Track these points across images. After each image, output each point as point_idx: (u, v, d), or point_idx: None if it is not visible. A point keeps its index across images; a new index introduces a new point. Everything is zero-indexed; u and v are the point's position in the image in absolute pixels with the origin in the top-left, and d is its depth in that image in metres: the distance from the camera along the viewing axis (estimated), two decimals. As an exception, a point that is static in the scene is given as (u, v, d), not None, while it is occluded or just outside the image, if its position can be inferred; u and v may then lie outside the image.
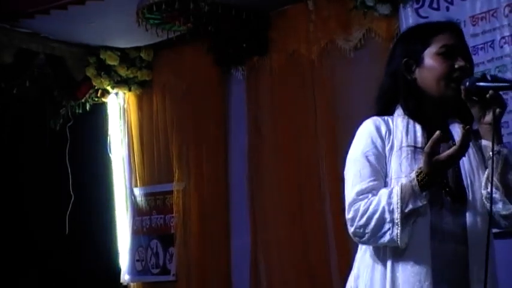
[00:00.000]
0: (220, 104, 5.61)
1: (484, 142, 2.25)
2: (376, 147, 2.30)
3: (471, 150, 2.27)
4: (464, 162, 2.28)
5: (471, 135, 2.14)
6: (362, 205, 2.22)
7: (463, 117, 2.33)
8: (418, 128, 2.31)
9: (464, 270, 2.22)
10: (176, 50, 5.70)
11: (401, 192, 2.17)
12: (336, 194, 4.50)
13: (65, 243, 5.66)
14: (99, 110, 6.12)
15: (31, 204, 5.58)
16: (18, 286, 5.58)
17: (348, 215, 2.26)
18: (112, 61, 5.81)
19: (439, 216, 2.23)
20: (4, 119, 5.50)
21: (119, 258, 6.02)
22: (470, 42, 4.14)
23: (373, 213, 2.20)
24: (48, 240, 5.57)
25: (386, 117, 2.35)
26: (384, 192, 2.21)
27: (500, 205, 2.24)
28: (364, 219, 2.21)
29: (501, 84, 2.20)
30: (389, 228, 2.18)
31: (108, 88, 5.99)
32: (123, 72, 5.88)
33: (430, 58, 2.33)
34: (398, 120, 2.33)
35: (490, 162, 2.20)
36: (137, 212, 5.99)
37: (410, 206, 2.17)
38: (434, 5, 4.42)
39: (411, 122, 2.32)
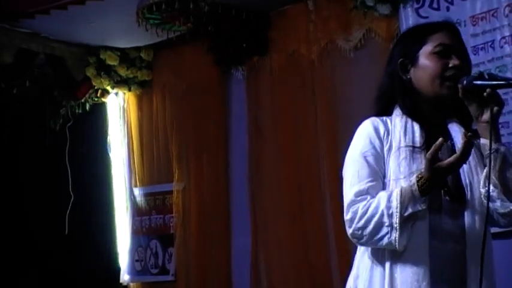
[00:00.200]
0: (220, 104, 5.61)
1: (482, 141, 2.24)
2: (374, 147, 2.29)
3: (470, 149, 2.27)
4: (463, 162, 2.27)
5: (473, 143, 2.14)
6: (360, 207, 2.22)
7: (462, 117, 2.33)
8: (417, 127, 2.31)
9: (463, 270, 2.22)
10: (176, 50, 5.70)
11: (401, 196, 2.17)
12: (336, 194, 4.48)
13: (64, 243, 5.66)
14: (99, 110, 6.12)
15: (31, 204, 5.58)
16: (18, 286, 5.58)
17: (347, 216, 2.26)
18: (112, 61, 5.81)
19: (438, 216, 2.23)
20: (4, 119, 5.50)
21: (118, 258, 6.02)
22: (471, 42, 4.15)
23: (372, 216, 2.20)
24: (48, 240, 5.57)
25: (384, 118, 2.35)
26: (383, 195, 2.21)
27: (498, 203, 2.23)
28: (362, 221, 2.21)
29: (498, 82, 2.20)
30: (387, 232, 2.18)
31: (108, 88, 5.99)
32: (123, 72, 5.88)
33: (425, 57, 2.33)
34: (397, 120, 2.33)
35: (488, 160, 2.19)
36: (137, 212, 5.99)
37: (409, 210, 2.17)
38: (435, 5, 4.42)
39: (409, 121, 2.32)
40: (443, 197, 2.25)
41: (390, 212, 2.17)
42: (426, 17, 4.34)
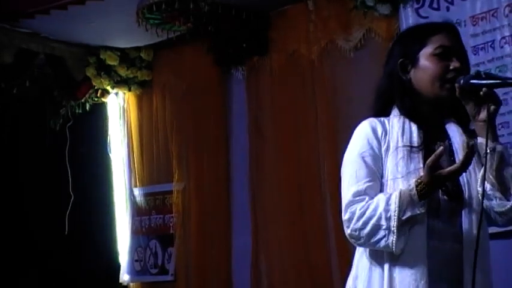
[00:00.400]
0: (220, 104, 5.61)
1: (479, 139, 2.24)
2: (372, 148, 2.30)
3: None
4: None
5: (474, 153, 2.14)
6: (358, 208, 2.23)
7: (459, 116, 2.33)
8: (414, 127, 2.31)
9: (461, 269, 2.21)
10: (176, 50, 5.70)
11: (400, 200, 2.17)
12: (336, 194, 4.42)
13: (64, 243, 5.66)
14: (99, 110, 6.12)
15: (31, 204, 5.58)
16: (18, 286, 5.58)
17: (345, 217, 2.26)
18: (112, 61, 5.81)
19: (436, 216, 2.23)
20: (4, 119, 5.50)
21: (118, 258, 6.02)
22: (471, 42, 4.15)
23: (370, 218, 2.20)
24: (48, 240, 5.58)
25: (382, 118, 2.35)
26: (381, 198, 2.21)
27: (495, 202, 2.23)
28: (360, 222, 2.22)
29: (495, 81, 2.20)
30: (384, 235, 2.18)
31: (108, 88, 5.99)
32: (123, 72, 5.88)
33: (425, 59, 2.33)
34: (395, 121, 2.33)
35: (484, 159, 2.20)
36: (137, 212, 5.99)
37: (408, 214, 2.17)
38: (435, 5, 4.42)
39: (407, 121, 2.32)
40: (441, 196, 2.25)
41: (388, 215, 2.18)
42: (426, 17, 4.34)
